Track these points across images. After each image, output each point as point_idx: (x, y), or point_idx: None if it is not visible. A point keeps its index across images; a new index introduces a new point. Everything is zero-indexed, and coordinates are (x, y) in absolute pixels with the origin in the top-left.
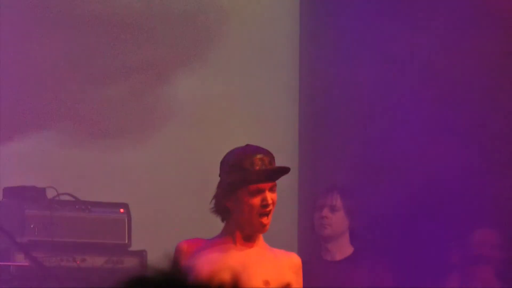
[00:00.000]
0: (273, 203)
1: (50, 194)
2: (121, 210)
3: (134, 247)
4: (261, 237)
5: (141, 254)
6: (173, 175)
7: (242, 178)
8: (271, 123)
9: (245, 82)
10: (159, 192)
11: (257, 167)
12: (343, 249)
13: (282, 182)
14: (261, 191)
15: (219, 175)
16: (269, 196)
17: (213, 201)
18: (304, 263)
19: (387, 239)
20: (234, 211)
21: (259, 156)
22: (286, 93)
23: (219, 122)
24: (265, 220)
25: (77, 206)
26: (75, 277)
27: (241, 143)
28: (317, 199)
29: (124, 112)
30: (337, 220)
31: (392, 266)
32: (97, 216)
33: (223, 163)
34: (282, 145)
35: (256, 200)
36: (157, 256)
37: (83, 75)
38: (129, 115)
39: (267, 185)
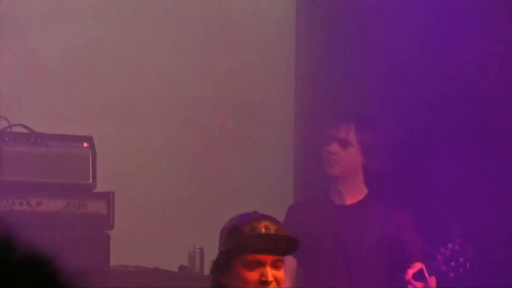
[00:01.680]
0: (278, 281)
1: (0, 125)
2: (85, 145)
3: (100, 188)
4: None
5: (107, 196)
6: (146, 104)
7: (238, 245)
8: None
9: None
10: (129, 124)
11: (258, 233)
12: (355, 191)
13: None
14: (260, 264)
15: (218, 247)
16: (271, 272)
17: (210, 277)
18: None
19: (407, 183)
20: None
21: (264, 223)
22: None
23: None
24: None
25: (32, 140)
26: (30, 223)
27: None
28: (327, 130)
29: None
30: (347, 157)
31: (413, 213)
32: (56, 151)
33: (222, 230)
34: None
35: (253, 275)
36: (127, 199)
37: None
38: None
39: (269, 258)
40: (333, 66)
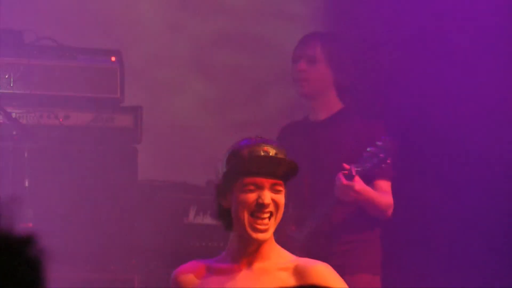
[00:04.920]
0: (277, 206)
1: (28, 38)
2: (113, 59)
3: (127, 102)
4: (277, 251)
5: (135, 110)
6: (175, 15)
7: (236, 168)
8: None
9: None
10: (158, 38)
11: (256, 156)
12: (328, 106)
13: None
14: (259, 188)
15: (220, 172)
16: (268, 194)
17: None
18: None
19: (380, 94)
20: (232, 214)
21: (265, 146)
22: None
23: None
24: (260, 223)
25: (60, 53)
26: (57, 137)
27: None
28: (295, 49)
29: None
30: (316, 74)
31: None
32: (84, 65)
33: (224, 154)
34: None
35: (251, 197)
36: (154, 114)
37: None
38: None
39: (267, 181)
40: None
